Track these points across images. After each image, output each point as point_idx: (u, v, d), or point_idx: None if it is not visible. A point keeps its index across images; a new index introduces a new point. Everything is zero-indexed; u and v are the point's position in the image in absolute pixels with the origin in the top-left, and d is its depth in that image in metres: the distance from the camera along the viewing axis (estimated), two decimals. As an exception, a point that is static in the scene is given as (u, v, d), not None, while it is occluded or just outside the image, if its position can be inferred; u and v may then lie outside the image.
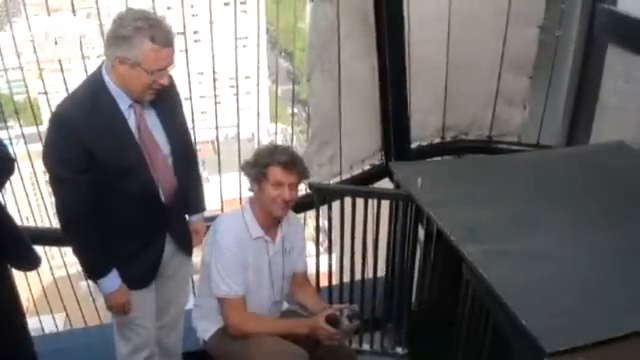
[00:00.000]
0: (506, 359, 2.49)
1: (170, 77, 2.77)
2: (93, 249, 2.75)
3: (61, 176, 2.59)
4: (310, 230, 4.36)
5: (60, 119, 2.55)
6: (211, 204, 3.35)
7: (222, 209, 4.07)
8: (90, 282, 2.93)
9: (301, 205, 3.09)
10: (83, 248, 2.77)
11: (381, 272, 3.83)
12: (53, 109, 2.61)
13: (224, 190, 4.26)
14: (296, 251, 3.15)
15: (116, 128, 2.60)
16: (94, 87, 2.60)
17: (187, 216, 3.16)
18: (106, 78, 2.58)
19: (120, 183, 2.66)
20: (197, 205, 3.19)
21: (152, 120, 2.71)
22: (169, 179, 2.80)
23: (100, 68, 2.61)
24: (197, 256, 3.22)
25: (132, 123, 2.63)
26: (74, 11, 3.84)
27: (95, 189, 2.62)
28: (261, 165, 2.85)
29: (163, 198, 2.80)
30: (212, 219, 3.13)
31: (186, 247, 3.10)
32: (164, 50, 2.51)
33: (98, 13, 3.57)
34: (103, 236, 2.72)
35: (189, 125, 3.10)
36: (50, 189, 2.66)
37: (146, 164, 2.68)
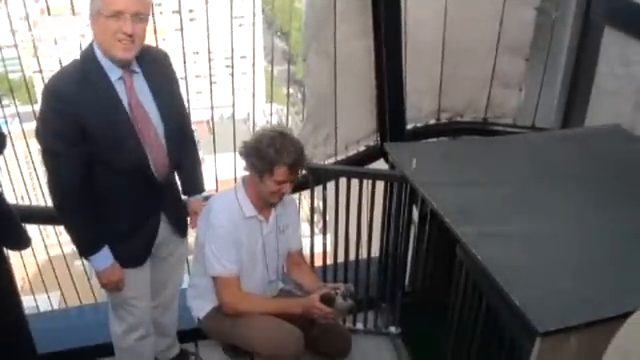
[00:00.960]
0: (499, 339, 2.51)
1: (165, 54, 2.77)
2: (85, 225, 2.74)
3: (54, 149, 2.57)
4: (305, 210, 4.37)
5: (51, 92, 2.53)
6: (206, 184, 3.35)
7: (217, 189, 4.07)
8: (85, 261, 2.93)
9: (296, 186, 3.08)
10: (75, 224, 2.76)
11: (375, 252, 3.84)
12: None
13: (219, 170, 4.25)
14: (290, 229, 3.16)
15: (107, 100, 2.58)
16: (85, 60, 2.59)
17: (186, 197, 3.17)
18: (97, 51, 2.56)
19: (112, 158, 2.65)
20: (196, 186, 3.19)
21: (145, 96, 2.68)
22: (162, 157, 2.78)
23: (92, 43, 2.59)
24: (192, 236, 3.22)
25: (124, 97, 2.61)
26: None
27: (87, 163, 2.61)
28: (267, 162, 2.82)
29: (156, 176, 2.79)
30: (208, 199, 3.14)
31: (181, 227, 3.10)
32: None
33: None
34: (95, 213, 2.72)
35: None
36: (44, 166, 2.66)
37: (138, 139, 2.66)
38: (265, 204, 3.00)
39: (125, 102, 2.62)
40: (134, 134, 2.65)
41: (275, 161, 2.80)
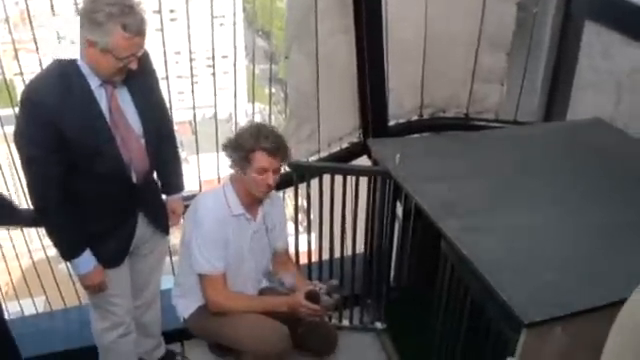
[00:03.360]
0: (485, 332, 2.52)
1: (146, 54, 2.74)
2: (66, 229, 2.73)
3: (32, 155, 2.55)
4: (289, 209, 4.36)
5: (29, 98, 2.50)
6: (189, 185, 3.34)
7: (200, 189, 4.06)
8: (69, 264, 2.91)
9: (280, 183, 3.08)
10: (56, 229, 2.74)
11: (360, 249, 3.84)
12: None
13: (202, 170, 4.23)
14: (278, 228, 3.16)
15: (86, 108, 2.56)
16: (65, 65, 2.56)
17: (165, 195, 3.16)
18: (78, 57, 2.54)
19: (90, 163, 2.63)
20: (175, 185, 3.17)
21: (125, 99, 2.67)
22: (142, 159, 2.77)
23: None
24: (176, 237, 3.21)
25: (103, 103, 2.60)
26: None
27: (66, 168, 2.59)
28: (245, 150, 2.82)
29: (135, 178, 2.77)
30: (190, 199, 3.12)
31: (161, 226, 3.08)
32: (135, 38, 2.47)
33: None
34: (75, 216, 2.70)
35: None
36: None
37: (116, 145, 2.64)
38: (253, 198, 2.98)
39: (105, 108, 2.60)
40: (113, 140, 2.64)
41: (252, 147, 2.80)
